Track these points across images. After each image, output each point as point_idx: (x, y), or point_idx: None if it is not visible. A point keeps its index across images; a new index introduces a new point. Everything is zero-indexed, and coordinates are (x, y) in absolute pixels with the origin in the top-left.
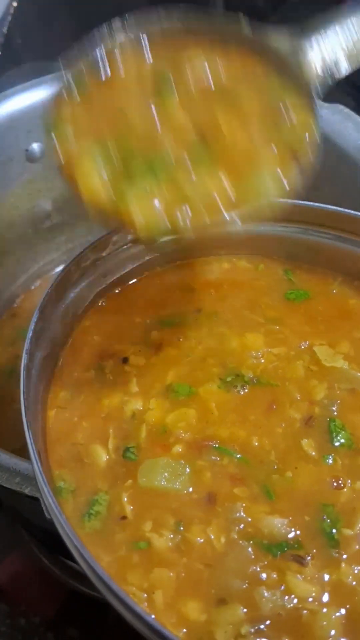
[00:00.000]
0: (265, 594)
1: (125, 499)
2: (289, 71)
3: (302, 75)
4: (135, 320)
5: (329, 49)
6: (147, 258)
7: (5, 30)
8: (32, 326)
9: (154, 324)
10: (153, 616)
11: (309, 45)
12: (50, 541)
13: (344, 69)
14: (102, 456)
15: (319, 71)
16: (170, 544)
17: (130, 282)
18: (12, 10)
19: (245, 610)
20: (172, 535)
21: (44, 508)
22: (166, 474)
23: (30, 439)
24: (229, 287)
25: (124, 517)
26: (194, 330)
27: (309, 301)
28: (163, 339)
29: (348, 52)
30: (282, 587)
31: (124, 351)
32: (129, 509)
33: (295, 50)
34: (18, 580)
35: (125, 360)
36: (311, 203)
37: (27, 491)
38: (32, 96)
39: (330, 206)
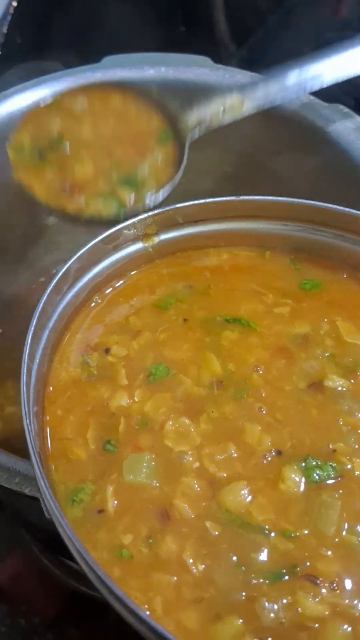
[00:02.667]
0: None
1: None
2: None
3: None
4: (121, 309)
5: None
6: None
7: (5, 30)
8: (31, 328)
9: (137, 310)
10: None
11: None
12: (51, 541)
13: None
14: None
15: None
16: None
17: (125, 276)
18: (12, 10)
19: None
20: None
21: (43, 508)
22: (146, 470)
23: (30, 440)
24: (230, 270)
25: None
26: (182, 304)
27: (325, 291)
28: (144, 322)
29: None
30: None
31: (105, 342)
32: (112, 502)
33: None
34: (18, 581)
35: (107, 351)
36: (311, 202)
37: (27, 491)
38: (32, 96)
39: (330, 205)
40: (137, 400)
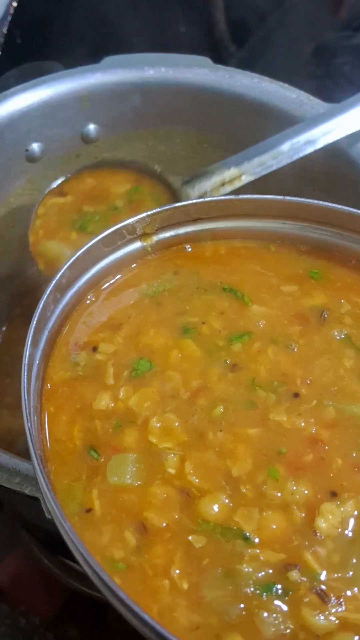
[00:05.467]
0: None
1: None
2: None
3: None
4: (110, 306)
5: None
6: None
7: (5, 30)
8: (31, 331)
9: (123, 304)
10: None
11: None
12: (51, 541)
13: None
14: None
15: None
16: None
17: (119, 273)
18: (12, 10)
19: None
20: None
21: (44, 508)
22: (133, 469)
23: (31, 441)
24: (228, 254)
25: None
26: (165, 296)
27: (337, 279)
28: (125, 315)
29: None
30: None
31: (93, 341)
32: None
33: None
34: (18, 581)
35: (95, 350)
36: (311, 200)
37: (27, 491)
38: (32, 96)
39: (330, 204)
40: (121, 398)
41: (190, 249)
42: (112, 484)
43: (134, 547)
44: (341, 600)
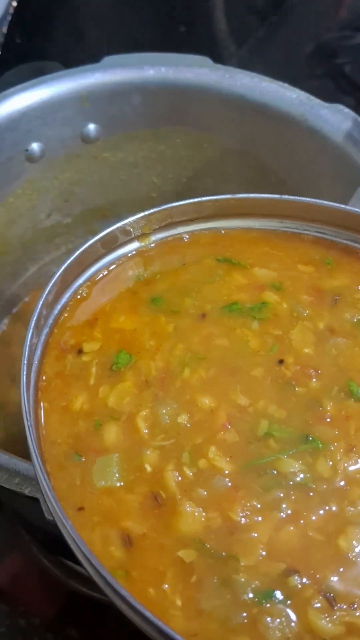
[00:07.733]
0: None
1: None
2: None
3: None
4: (98, 300)
5: None
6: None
7: (5, 30)
8: (29, 332)
9: (99, 299)
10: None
11: None
12: (50, 542)
13: None
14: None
15: None
16: None
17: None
18: (11, 10)
19: None
20: None
21: (44, 509)
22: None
23: (31, 441)
24: (229, 239)
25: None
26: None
27: (349, 267)
28: (102, 308)
29: None
30: None
31: (78, 342)
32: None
33: None
34: (18, 581)
35: (80, 352)
36: (309, 199)
37: (27, 492)
38: (32, 96)
39: (330, 202)
40: (100, 397)
41: (187, 238)
42: (99, 487)
43: (122, 557)
44: (353, 605)
